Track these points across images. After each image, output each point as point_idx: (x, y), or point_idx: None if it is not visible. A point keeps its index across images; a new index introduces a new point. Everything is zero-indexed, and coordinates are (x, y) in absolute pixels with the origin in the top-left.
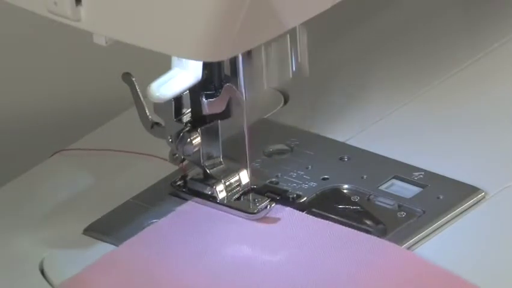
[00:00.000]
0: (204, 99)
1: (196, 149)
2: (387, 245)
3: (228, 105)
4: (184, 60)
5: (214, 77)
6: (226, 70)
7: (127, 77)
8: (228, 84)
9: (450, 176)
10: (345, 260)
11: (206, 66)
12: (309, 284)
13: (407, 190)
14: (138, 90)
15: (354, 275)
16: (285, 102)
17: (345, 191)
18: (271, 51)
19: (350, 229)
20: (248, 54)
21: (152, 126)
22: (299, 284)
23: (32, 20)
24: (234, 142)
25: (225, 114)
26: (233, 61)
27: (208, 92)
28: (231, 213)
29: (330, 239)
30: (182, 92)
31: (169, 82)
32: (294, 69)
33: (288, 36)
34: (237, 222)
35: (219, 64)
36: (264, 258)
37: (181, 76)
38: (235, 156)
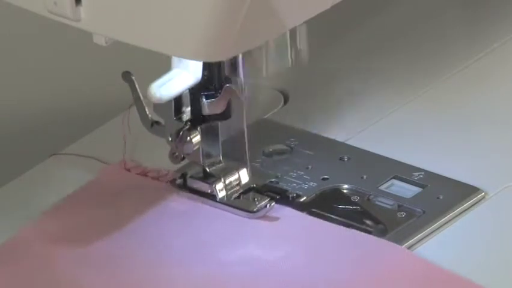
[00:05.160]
0: (204, 100)
1: (196, 147)
2: (387, 245)
3: (228, 106)
4: (184, 60)
5: (214, 78)
6: (226, 71)
7: (127, 75)
8: (227, 85)
9: (450, 176)
10: (344, 261)
11: (206, 67)
12: (308, 284)
13: (407, 190)
14: (138, 89)
15: (354, 276)
16: (285, 102)
17: (345, 191)
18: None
19: (348, 229)
20: None
21: (152, 125)
22: (299, 285)
23: (32, 20)
24: (233, 141)
25: (225, 115)
26: (233, 62)
27: (208, 93)
28: (231, 212)
29: (327, 239)
30: (182, 93)
31: (169, 83)
32: (293, 57)
33: None
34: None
35: (219, 65)
36: (261, 258)
37: (181, 77)
38: (235, 155)
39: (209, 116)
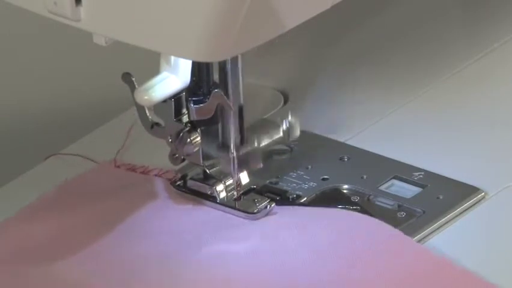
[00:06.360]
0: (192, 105)
1: (196, 149)
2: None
3: (216, 112)
4: (173, 64)
5: (203, 83)
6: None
7: (126, 77)
8: (216, 90)
9: (450, 176)
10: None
11: (195, 72)
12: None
13: (407, 190)
14: None
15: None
16: (285, 102)
17: (345, 191)
18: None
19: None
20: None
21: (152, 127)
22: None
23: (32, 20)
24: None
25: (213, 121)
26: (222, 67)
27: (196, 98)
28: (232, 214)
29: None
30: (169, 97)
31: (157, 86)
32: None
33: None
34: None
35: (208, 70)
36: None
37: (169, 80)
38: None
39: (197, 121)
